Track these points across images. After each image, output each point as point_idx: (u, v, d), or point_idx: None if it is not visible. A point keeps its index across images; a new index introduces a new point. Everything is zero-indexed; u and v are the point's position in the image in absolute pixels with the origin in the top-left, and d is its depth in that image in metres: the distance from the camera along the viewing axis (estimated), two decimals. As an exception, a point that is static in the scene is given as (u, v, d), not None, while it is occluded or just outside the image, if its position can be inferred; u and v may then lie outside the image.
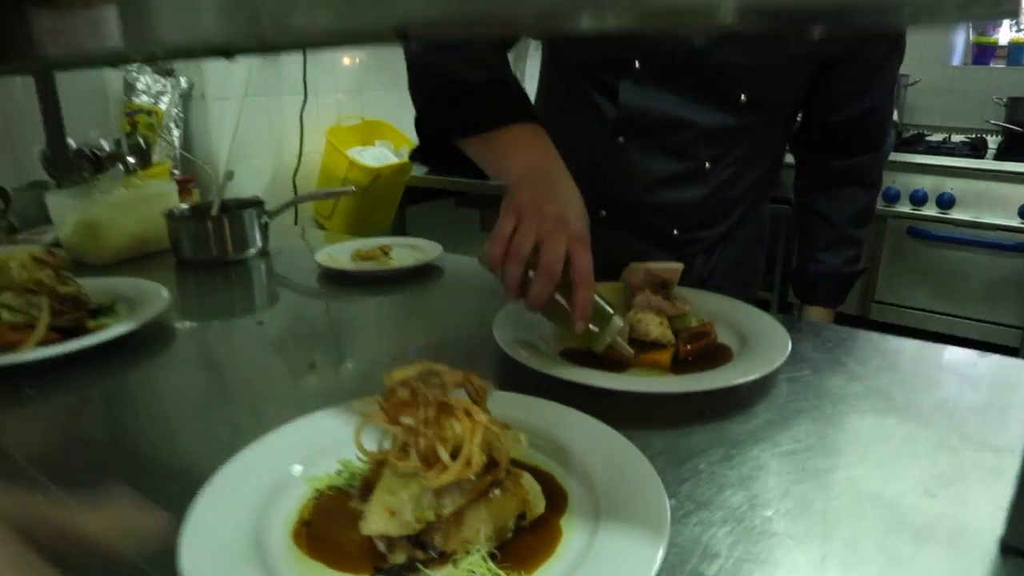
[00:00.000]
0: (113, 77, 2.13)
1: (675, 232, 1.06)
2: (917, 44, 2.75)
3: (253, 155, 2.43)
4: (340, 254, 1.25)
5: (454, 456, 0.45)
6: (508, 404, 0.60)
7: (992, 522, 0.52)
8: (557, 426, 0.60)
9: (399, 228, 2.81)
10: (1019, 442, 0.63)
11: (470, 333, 0.93)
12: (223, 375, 0.89)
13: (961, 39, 3.02)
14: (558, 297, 0.72)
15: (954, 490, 0.57)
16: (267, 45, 0.35)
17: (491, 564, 0.46)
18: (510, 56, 0.96)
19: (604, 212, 1.06)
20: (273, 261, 1.32)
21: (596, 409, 0.62)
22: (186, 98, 2.27)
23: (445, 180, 2.67)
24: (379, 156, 2.51)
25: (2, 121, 2.01)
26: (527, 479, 0.50)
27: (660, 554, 0.44)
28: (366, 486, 0.49)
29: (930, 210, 2.45)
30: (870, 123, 1.08)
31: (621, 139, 0.99)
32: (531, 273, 0.72)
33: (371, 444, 0.49)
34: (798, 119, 1.11)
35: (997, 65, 2.93)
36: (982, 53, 2.96)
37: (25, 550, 0.42)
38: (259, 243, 1.31)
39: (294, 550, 0.49)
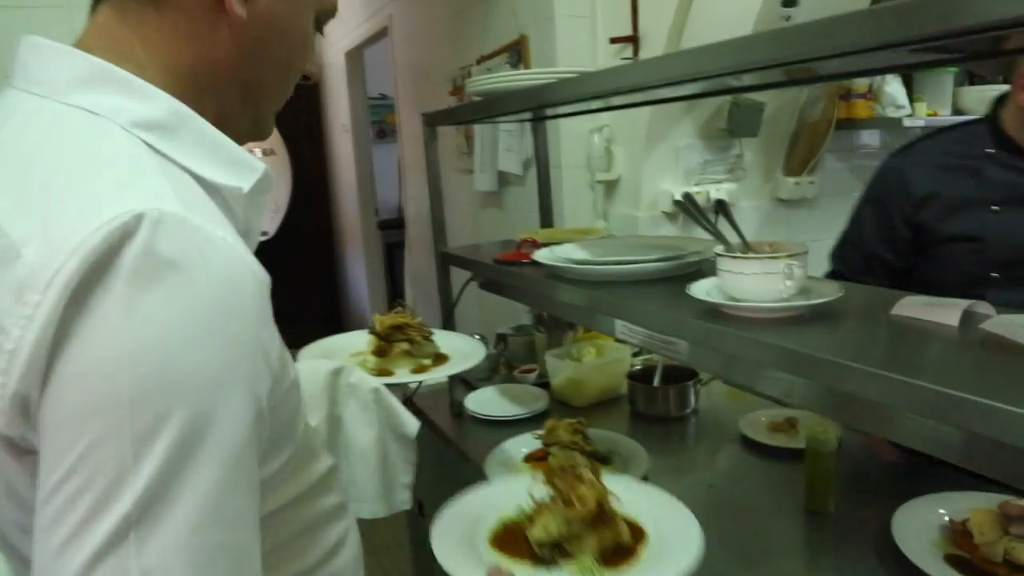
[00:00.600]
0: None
1: None
2: None
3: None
4: (756, 421, 1.58)
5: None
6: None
7: None
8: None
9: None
10: None
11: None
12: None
13: None
14: None
15: None
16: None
17: (596, 564, 0.90)
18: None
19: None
20: (702, 419, 1.70)
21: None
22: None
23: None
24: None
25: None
26: (620, 521, 0.95)
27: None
28: (532, 518, 0.96)
29: None
30: None
31: None
32: None
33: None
34: None
35: None
36: None
37: None
38: (693, 403, 1.71)
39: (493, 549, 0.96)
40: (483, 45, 2.77)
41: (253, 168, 0.62)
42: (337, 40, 5.03)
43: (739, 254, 0.90)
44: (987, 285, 1.37)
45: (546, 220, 1.96)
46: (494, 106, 1.45)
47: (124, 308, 0.46)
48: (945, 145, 1.52)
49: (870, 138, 2.80)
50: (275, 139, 5.40)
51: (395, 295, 5.27)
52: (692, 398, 1.72)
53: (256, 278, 0.53)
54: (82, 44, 0.59)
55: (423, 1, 3.42)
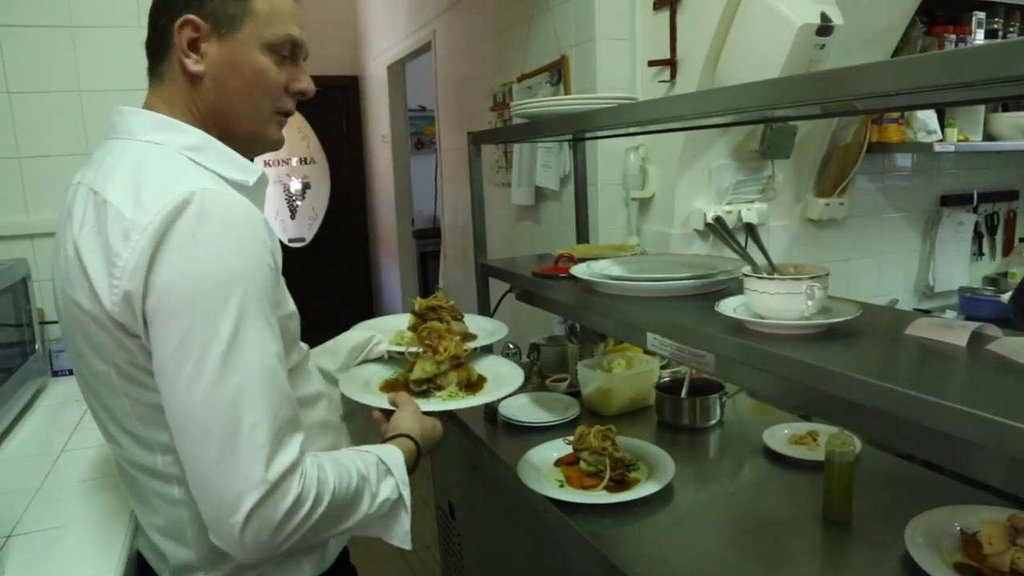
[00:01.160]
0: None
1: None
2: None
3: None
4: (778, 434, 1.64)
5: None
6: None
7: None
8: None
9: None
10: None
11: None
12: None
13: None
14: None
15: None
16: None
17: (458, 391, 1.22)
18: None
19: None
20: (727, 431, 1.76)
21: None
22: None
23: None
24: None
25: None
26: (471, 367, 1.29)
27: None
28: (410, 367, 1.24)
29: None
30: None
31: None
32: None
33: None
34: None
35: None
36: None
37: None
38: (719, 415, 1.78)
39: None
40: (525, 63, 2.87)
41: (255, 171, 0.94)
42: (380, 53, 5.17)
43: (764, 275, 0.98)
44: None
45: (582, 236, 2.04)
46: (537, 128, 1.54)
47: (190, 240, 0.78)
48: None
49: (902, 161, 2.85)
50: (315, 148, 5.55)
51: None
52: (718, 410, 1.78)
53: (259, 216, 0.86)
54: (145, 106, 0.95)
55: (467, 19, 3.53)
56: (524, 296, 1.70)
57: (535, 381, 2.21)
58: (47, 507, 1.21)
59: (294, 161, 5.46)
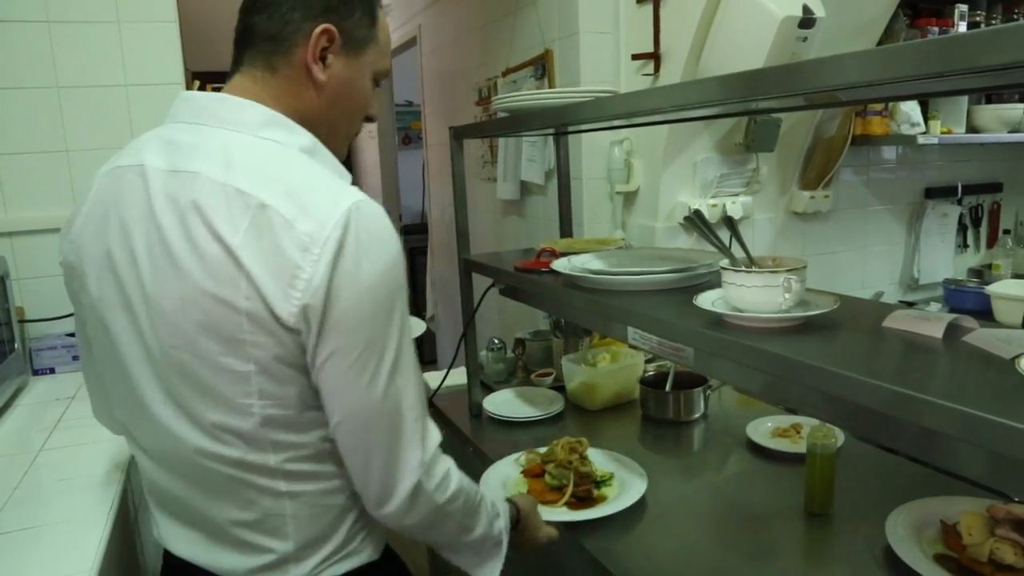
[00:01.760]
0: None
1: None
2: None
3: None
4: (762, 427, 1.64)
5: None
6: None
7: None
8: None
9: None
10: None
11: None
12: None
13: None
14: None
15: None
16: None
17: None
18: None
19: None
20: (711, 424, 1.76)
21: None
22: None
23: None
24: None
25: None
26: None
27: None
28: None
29: None
30: None
31: None
32: None
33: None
34: None
35: None
36: None
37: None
38: (703, 409, 1.78)
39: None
40: (509, 57, 2.86)
41: (347, 175, 0.93)
42: (365, 48, 5.14)
43: (742, 268, 0.97)
44: None
45: (565, 230, 2.03)
46: (519, 122, 1.53)
47: (365, 256, 0.81)
48: None
49: (886, 153, 2.86)
50: (303, 143, 5.52)
51: (416, 298, 5.36)
52: (701, 404, 1.78)
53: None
54: (245, 94, 0.91)
55: (452, 13, 3.52)
56: (507, 291, 1.70)
57: (520, 376, 2.20)
58: (23, 507, 1.20)
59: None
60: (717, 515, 1.37)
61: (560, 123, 1.41)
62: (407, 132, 5.98)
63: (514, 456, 1.56)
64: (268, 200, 0.80)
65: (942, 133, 2.59)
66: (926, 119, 2.56)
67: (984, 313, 2.13)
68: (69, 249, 0.94)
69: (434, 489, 0.93)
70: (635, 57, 2.26)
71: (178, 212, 0.83)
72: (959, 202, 3.06)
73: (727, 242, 1.08)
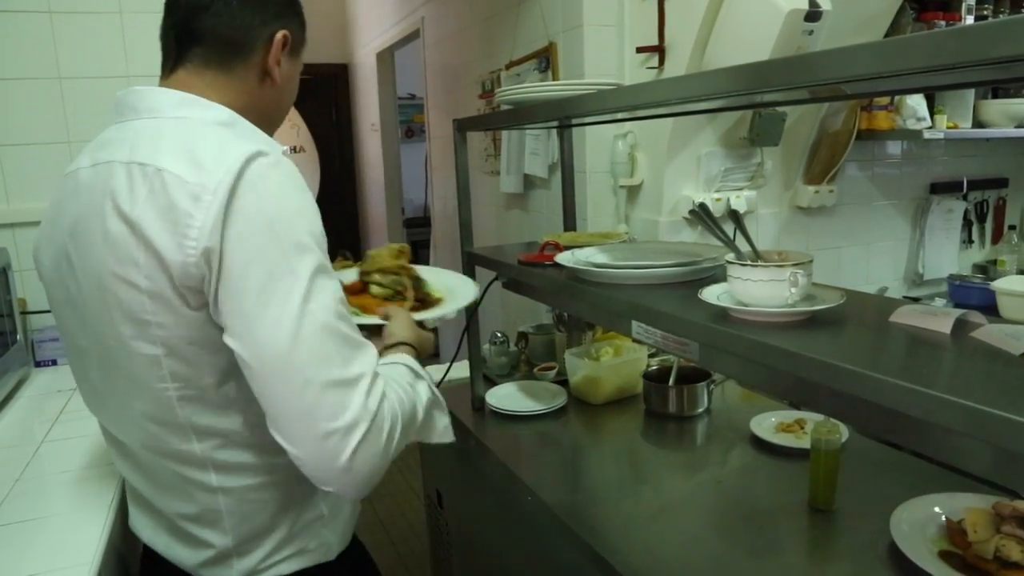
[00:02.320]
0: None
1: None
2: None
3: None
4: (765, 422, 1.64)
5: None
6: None
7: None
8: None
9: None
10: None
11: (865, 518, 1.23)
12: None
13: None
14: None
15: None
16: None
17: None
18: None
19: None
20: (714, 419, 1.76)
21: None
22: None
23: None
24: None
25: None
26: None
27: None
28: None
29: None
30: None
31: None
32: None
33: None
34: None
35: None
36: None
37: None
38: (706, 403, 1.77)
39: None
40: (513, 50, 2.85)
41: (279, 148, 0.95)
42: (369, 41, 5.13)
43: (748, 262, 0.97)
44: None
45: (569, 223, 2.02)
46: (522, 115, 1.52)
47: (262, 191, 0.81)
48: None
49: (891, 148, 2.84)
50: (304, 137, 5.50)
51: (419, 292, 5.36)
52: (705, 398, 1.78)
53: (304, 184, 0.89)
54: (169, 86, 0.95)
55: (455, 5, 3.50)
56: (510, 284, 1.69)
57: (523, 370, 2.20)
58: (25, 499, 1.20)
59: (286, 148, 5.41)
60: (720, 510, 1.36)
61: (563, 116, 1.40)
62: (410, 125, 5.98)
63: None
64: (164, 164, 0.82)
65: (948, 128, 2.57)
66: (932, 114, 2.55)
67: (989, 309, 2.12)
68: (36, 260, 0.99)
69: (386, 440, 0.85)
70: (639, 50, 2.25)
71: (96, 203, 0.86)
72: (964, 197, 3.04)
73: (732, 236, 1.07)
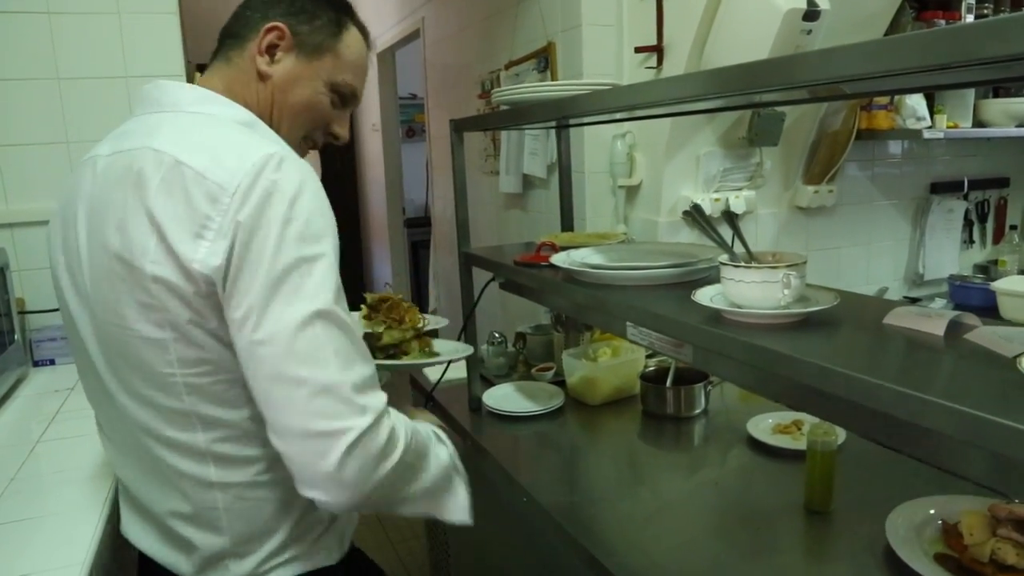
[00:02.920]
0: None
1: None
2: None
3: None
4: (762, 423, 1.63)
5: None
6: None
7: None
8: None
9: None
10: None
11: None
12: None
13: None
14: None
15: None
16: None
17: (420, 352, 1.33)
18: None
19: None
20: (711, 420, 1.76)
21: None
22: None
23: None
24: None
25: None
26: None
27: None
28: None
29: None
30: None
31: None
32: None
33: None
34: None
35: None
36: None
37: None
38: (703, 405, 1.77)
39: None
40: (512, 50, 2.84)
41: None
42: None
43: (741, 263, 0.96)
44: None
45: (567, 224, 2.02)
46: (519, 115, 1.52)
47: (279, 194, 0.80)
48: None
49: (891, 148, 2.83)
50: (306, 136, 5.51)
51: (419, 292, 5.36)
52: (702, 399, 1.77)
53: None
54: (201, 84, 0.99)
55: (455, 5, 3.50)
56: (507, 285, 1.69)
57: (521, 370, 2.20)
58: (20, 497, 1.20)
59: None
60: (716, 512, 1.36)
61: (560, 116, 1.40)
62: (411, 125, 5.97)
63: None
64: (182, 156, 0.82)
65: (948, 127, 2.56)
66: (932, 113, 2.54)
67: (990, 310, 2.11)
68: (49, 246, 0.99)
69: (379, 452, 0.83)
70: (638, 50, 2.24)
71: (109, 187, 0.87)
72: (965, 197, 3.03)
73: (729, 237, 1.07)
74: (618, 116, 1.79)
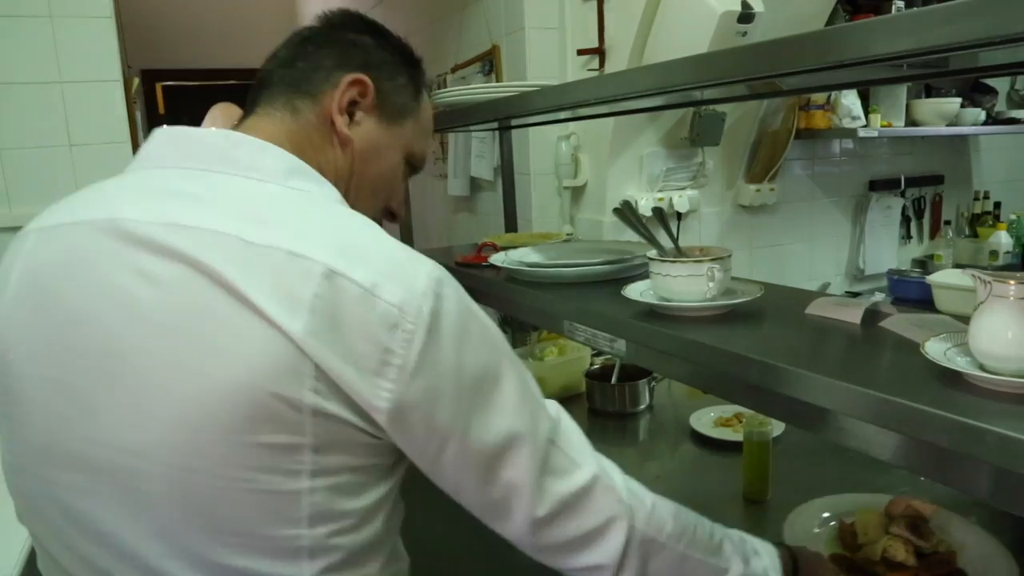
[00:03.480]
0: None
1: None
2: None
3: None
4: (704, 417, 1.66)
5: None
6: None
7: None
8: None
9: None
10: None
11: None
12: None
13: None
14: None
15: None
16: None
17: None
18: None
19: None
20: (656, 415, 1.78)
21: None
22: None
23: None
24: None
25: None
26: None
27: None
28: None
29: None
30: None
31: None
32: None
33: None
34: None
35: None
36: None
37: None
38: (648, 400, 1.79)
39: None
40: (458, 54, 2.85)
41: None
42: (318, 45, 5.08)
43: (668, 258, 0.98)
44: None
45: (510, 225, 2.03)
46: (460, 117, 1.52)
47: (462, 329, 0.66)
48: None
49: (832, 147, 2.91)
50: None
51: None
52: (647, 395, 1.80)
53: None
54: (262, 135, 0.74)
55: (402, 9, 3.50)
56: (451, 286, 1.69)
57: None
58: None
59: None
60: (658, 505, 1.38)
61: (499, 116, 1.41)
62: (363, 130, 5.93)
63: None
64: (336, 265, 0.61)
65: (882, 126, 2.64)
66: (867, 113, 2.62)
67: (927, 303, 2.18)
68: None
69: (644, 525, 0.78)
70: (580, 52, 2.27)
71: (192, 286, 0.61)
72: (902, 194, 3.13)
73: (675, 235, 1.08)
74: (561, 116, 1.81)
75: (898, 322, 0.86)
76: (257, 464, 0.60)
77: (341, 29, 0.85)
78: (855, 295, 2.85)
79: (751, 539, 0.88)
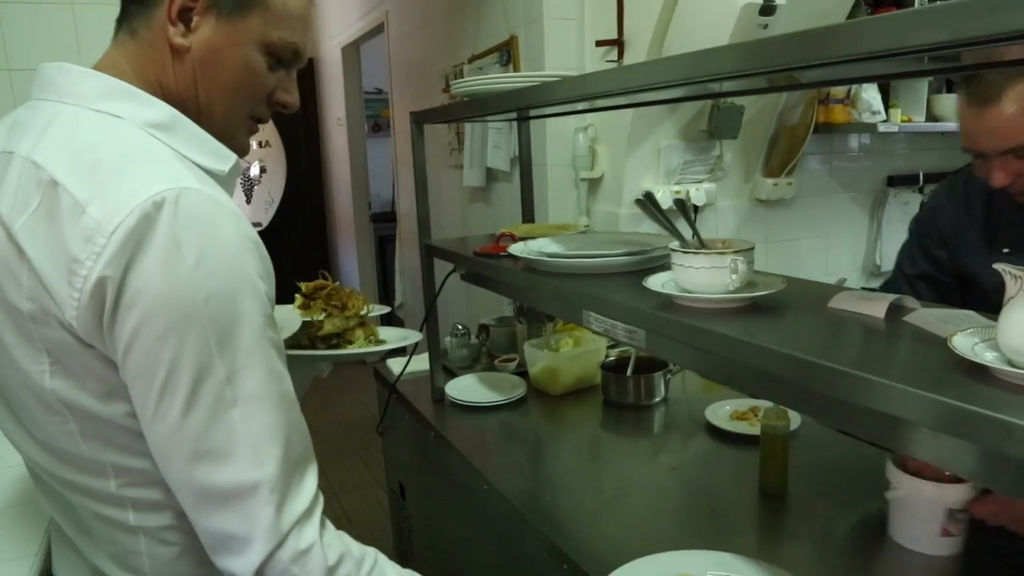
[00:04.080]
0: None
1: None
2: None
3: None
4: (720, 410, 1.66)
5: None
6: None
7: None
8: None
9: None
10: None
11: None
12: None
13: None
14: None
15: None
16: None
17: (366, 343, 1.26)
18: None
19: None
20: (671, 408, 1.78)
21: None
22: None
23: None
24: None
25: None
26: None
27: None
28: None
29: None
30: None
31: None
32: None
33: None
34: None
35: None
36: None
37: None
38: (663, 393, 1.79)
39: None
40: (475, 44, 2.84)
41: (228, 157, 0.82)
42: (334, 35, 5.09)
43: (690, 250, 0.98)
44: None
45: (528, 216, 2.03)
46: (478, 107, 1.52)
47: (174, 251, 0.66)
48: None
49: (850, 141, 2.89)
50: (271, 131, 5.46)
51: (386, 287, 5.34)
52: (662, 387, 1.80)
53: (247, 227, 0.74)
54: (98, 67, 0.79)
55: (418, -1, 3.49)
56: (468, 276, 1.69)
57: (484, 362, 2.20)
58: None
59: (253, 143, 5.36)
60: (674, 497, 1.38)
61: (517, 107, 1.41)
62: (376, 120, 5.95)
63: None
64: (61, 177, 0.68)
65: (902, 121, 2.62)
66: (887, 108, 2.59)
67: (942, 299, 2.17)
68: None
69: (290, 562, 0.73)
70: (599, 44, 2.26)
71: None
72: (920, 190, 3.10)
73: (689, 228, 1.08)
74: (579, 108, 1.80)
75: (923, 317, 0.86)
76: (18, 350, 0.72)
77: None
78: (872, 291, 2.83)
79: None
